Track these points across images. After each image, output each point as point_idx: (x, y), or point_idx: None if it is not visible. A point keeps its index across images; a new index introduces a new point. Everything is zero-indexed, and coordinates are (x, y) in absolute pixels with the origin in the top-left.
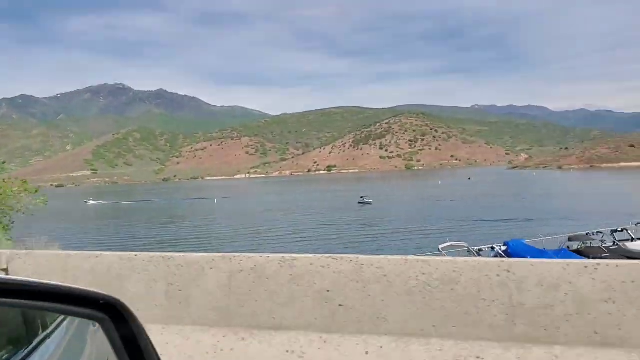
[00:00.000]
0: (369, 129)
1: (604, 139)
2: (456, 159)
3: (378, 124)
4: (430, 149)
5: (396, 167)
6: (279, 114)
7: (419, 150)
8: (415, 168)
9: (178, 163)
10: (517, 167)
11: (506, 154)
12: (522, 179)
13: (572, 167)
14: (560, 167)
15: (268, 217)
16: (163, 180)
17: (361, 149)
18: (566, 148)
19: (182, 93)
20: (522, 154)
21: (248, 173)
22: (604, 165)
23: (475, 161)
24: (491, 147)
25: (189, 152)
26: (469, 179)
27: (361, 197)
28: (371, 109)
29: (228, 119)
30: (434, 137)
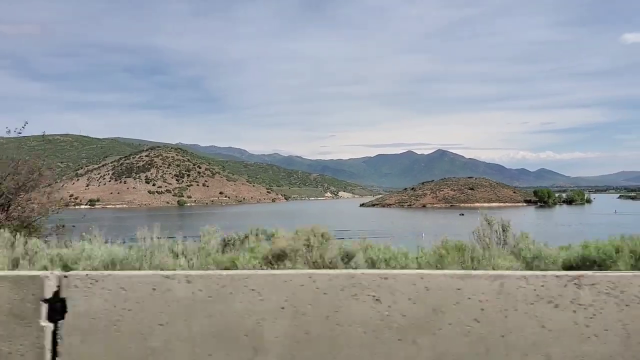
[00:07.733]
0: (129, 161)
1: (445, 181)
2: (225, 196)
3: (138, 156)
4: (198, 185)
5: (168, 202)
6: None
7: (187, 185)
8: (188, 204)
9: None
10: (375, 205)
11: (267, 191)
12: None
13: (435, 205)
14: (424, 206)
15: None
16: None
17: (125, 182)
18: (412, 188)
19: None
20: (279, 194)
21: None
22: (462, 205)
23: (244, 198)
24: (253, 186)
25: None
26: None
27: None
28: (102, 139)
29: None
30: (199, 173)
